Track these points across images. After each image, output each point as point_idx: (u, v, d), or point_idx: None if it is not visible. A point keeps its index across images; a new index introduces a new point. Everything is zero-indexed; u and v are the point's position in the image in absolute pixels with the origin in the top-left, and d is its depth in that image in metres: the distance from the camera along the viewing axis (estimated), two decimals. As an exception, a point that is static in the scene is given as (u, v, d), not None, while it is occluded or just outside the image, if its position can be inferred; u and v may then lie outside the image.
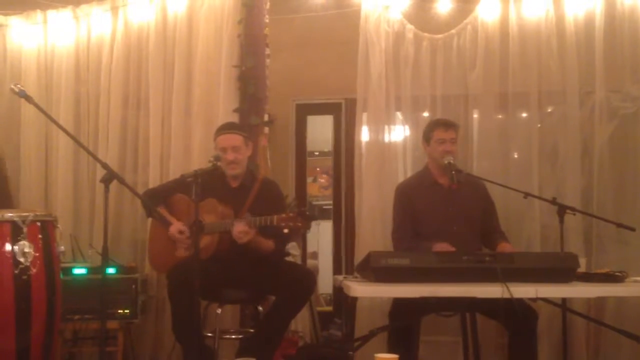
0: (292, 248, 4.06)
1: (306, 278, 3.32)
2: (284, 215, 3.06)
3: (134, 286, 3.78)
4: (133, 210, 4.18)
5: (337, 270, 4.77)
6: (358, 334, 3.17)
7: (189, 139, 4.20)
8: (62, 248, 3.07)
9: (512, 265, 2.87)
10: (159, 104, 4.26)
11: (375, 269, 2.86)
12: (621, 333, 3.16)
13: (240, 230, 3.17)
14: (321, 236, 5.74)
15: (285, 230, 3.02)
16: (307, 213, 3.04)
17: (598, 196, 3.95)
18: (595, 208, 3.91)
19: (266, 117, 4.20)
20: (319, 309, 4.53)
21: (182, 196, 3.42)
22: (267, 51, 4.20)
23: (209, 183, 3.14)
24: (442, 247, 3.22)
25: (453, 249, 3.21)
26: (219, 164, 3.30)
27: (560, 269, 2.92)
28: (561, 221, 3.32)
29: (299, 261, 4.06)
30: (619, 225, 3.29)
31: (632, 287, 2.98)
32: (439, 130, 3.54)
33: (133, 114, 4.34)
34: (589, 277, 2.98)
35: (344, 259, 4.79)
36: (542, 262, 3.03)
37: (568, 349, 3.61)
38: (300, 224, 3.02)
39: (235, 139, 3.46)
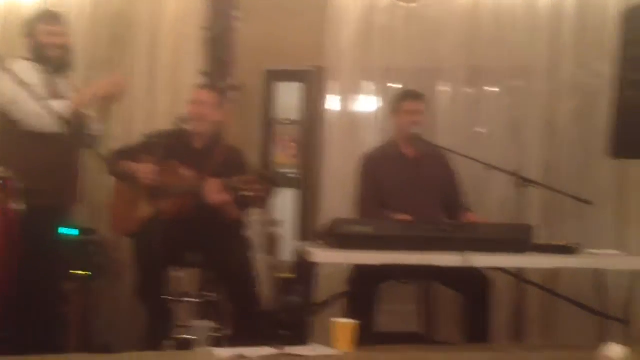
0: (256, 215, 4.05)
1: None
2: (243, 178, 3.03)
3: (92, 248, 3.74)
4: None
5: (301, 238, 4.77)
6: (320, 301, 3.19)
7: (153, 102, 4.12)
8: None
9: (470, 235, 2.92)
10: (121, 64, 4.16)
11: (339, 236, 2.89)
12: (575, 304, 3.24)
13: (214, 188, 3.11)
14: (286, 204, 5.72)
15: (246, 194, 3.00)
16: (268, 176, 3.03)
17: (559, 170, 4.02)
18: (556, 182, 3.97)
19: (234, 83, 4.14)
20: (280, 275, 4.54)
21: (145, 158, 3.37)
22: (237, 14, 4.13)
23: (172, 146, 3.11)
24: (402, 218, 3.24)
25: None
26: (184, 126, 3.27)
27: (515, 239, 2.98)
28: (520, 193, 3.37)
29: (261, 228, 4.05)
30: (577, 199, 3.36)
31: (585, 259, 3.05)
32: (408, 101, 3.55)
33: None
34: (544, 249, 3.05)
35: (308, 227, 4.79)
36: (498, 232, 3.09)
37: (523, 319, 3.70)
38: (260, 187, 2.99)
39: (204, 95, 3.44)
